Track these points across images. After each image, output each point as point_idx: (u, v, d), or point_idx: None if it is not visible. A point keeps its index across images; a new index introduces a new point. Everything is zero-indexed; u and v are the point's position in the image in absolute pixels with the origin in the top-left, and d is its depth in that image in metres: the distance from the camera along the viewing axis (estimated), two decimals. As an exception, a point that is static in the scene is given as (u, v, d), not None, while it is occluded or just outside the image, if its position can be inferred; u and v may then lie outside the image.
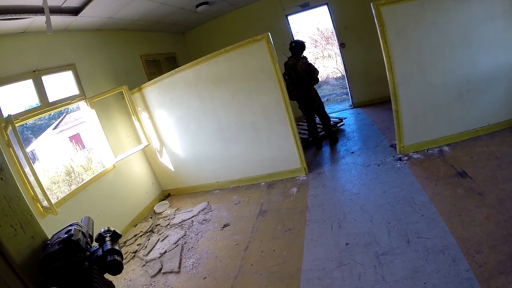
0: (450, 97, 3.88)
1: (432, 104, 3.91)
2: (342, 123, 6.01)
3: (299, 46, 4.76)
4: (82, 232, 1.30)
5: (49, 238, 1.30)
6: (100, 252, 1.29)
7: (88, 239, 1.33)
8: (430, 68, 3.80)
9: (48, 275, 1.14)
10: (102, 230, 1.41)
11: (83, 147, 16.16)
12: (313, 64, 4.67)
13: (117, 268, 1.28)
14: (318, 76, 4.71)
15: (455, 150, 3.83)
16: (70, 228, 1.28)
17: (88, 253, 1.26)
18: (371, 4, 3.65)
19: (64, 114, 18.89)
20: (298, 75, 4.63)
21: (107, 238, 1.35)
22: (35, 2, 3.08)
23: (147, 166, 5.25)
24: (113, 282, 1.45)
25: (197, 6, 5.59)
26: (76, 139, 17.59)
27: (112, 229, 1.43)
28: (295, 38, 6.86)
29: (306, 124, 5.41)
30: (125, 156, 4.52)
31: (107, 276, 1.33)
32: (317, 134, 5.25)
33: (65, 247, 1.17)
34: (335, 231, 3.01)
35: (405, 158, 3.98)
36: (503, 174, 3.09)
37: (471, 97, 3.88)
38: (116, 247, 1.33)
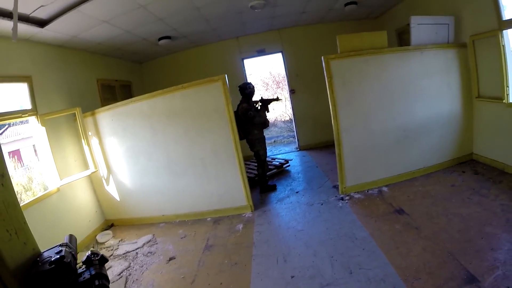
0: (389, 143, 4.31)
1: (373, 149, 4.30)
2: (288, 164, 6.22)
3: (239, 89, 4.84)
4: (72, 254, 1.32)
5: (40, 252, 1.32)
6: (87, 274, 1.31)
7: (75, 261, 1.34)
8: (372, 117, 4.23)
9: None
10: (89, 253, 1.41)
11: (22, 164, 14.99)
12: (252, 112, 4.66)
13: None
14: (262, 121, 4.81)
15: (393, 190, 4.18)
16: (60, 249, 1.30)
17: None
18: (322, 57, 4.05)
19: (6, 127, 17.54)
20: (239, 118, 4.72)
21: (95, 262, 1.37)
22: (2, 5, 3.00)
23: (92, 193, 5.03)
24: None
25: (159, 39, 5.74)
26: (17, 155, 16.30)
27: (100, 253, 1.44)
28: (247, 81, 6.93)
29: (254, 163, 5.50)
30: (71, 180, 4.33)
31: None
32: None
33: (57, 268, 1.20)
34: (281, 265, 3.09)
35: (347, 197, 4.26)
36: (437, 209, 3.45)
37: (408, 143, 4.37)
38: (104, 272, 1.35)
